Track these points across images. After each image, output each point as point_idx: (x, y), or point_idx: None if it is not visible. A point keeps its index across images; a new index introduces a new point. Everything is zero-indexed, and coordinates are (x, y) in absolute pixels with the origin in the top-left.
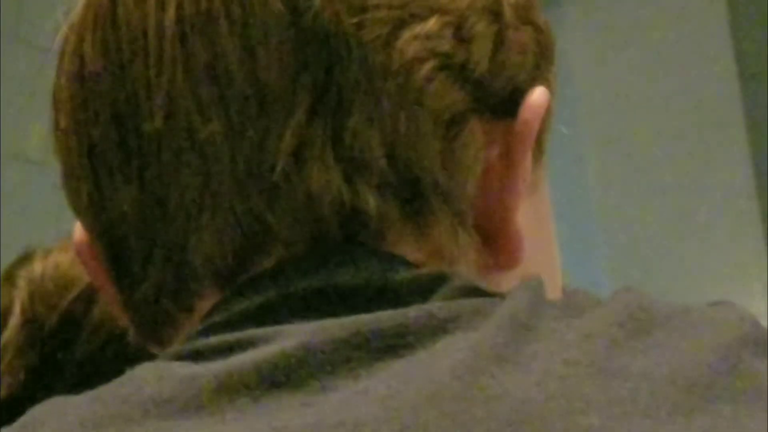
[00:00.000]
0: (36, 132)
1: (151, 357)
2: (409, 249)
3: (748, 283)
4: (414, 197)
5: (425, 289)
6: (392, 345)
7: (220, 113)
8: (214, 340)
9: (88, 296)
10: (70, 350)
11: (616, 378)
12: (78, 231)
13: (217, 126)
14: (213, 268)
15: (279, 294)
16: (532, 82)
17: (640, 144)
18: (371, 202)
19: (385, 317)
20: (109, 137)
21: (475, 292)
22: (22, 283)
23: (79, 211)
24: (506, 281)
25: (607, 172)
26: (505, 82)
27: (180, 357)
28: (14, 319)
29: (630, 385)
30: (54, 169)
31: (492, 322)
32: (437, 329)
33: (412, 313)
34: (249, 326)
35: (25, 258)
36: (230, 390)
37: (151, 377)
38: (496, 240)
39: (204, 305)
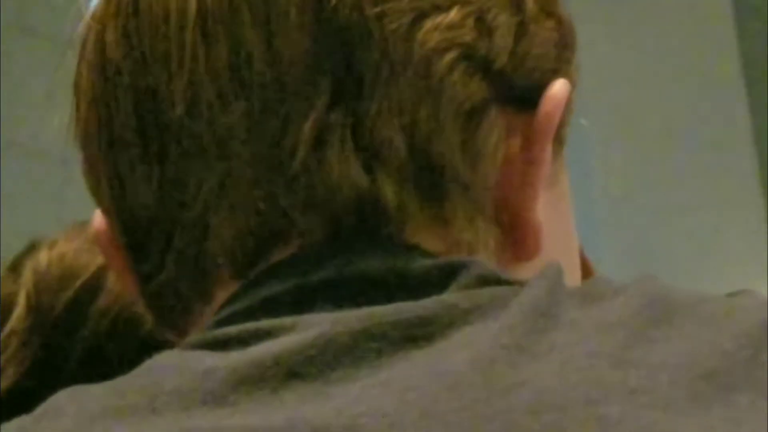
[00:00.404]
0: (53, 123)
1: (158, 347)
2: (428, 238)
3: (751, 281)
4: (433, 186)
5: (444, 277)
6: (412, 335)
7: (240, 102)
8: (233, 329)
9: (93, 285)
10: (75, 339)
11: (634, 368)
12: (97, 219)
13: (238, 115)
14: (231, 257)
15: (297, 283)
16: (554, 74)
17: (644, 140)
18: (390, 191)
19: (404, 308)
20: (129, 125)
21: (494, 280)
22: (27, 273)
23: (99, 199)
24: (525, 272)
25: (611, 172)
26: (526, 75)
27: (199, 346)
28: (19, 309)
29: (649, 375)
30: (54, 159)
31: (511, 311)
32: (457, 319)
33: (431, 303)
34: (268, 315)
35: (31, 248)
36: (249, 382)
37: (171, 369)
38: (515, 231)
39: (222, 294)
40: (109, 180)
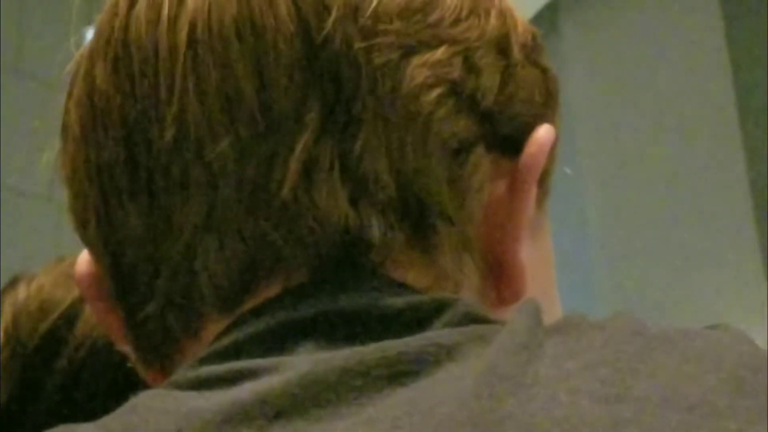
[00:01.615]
0: (42, 163)
1: (133, 375)
2: (413, 274)
3: (748, 315)
4: (420, 221)
5: (428, 315)
6: (396, 373)
7: (229, 132)
8: (217, 368)
9: (70, 316)
10: (53, 368)
11: (619, 403)
12: (80, 263)
13: (226, 145)
14: (218, 290)
15: (281, 322)
16: (539, 120)
17: (636, 166)
18: (375, 226)
19: (388, 345)
20: (117, 155)
21: (478, 318)
22: (6, 307)
23: (85, 233)
24: (508, 315)
25: (603, 193)
26: (511, 117)
27: (183, 386)
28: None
29: (633, 410)
30: (57, 202)
31: (494, 348)
32: (441, 357)
33: (415, 341)
34: (252, 354)
35: (11, 284)
36: (234, 422)
37: (156, 409)
38: (499, 272)
39: (209, 331)
40: (96, 213)
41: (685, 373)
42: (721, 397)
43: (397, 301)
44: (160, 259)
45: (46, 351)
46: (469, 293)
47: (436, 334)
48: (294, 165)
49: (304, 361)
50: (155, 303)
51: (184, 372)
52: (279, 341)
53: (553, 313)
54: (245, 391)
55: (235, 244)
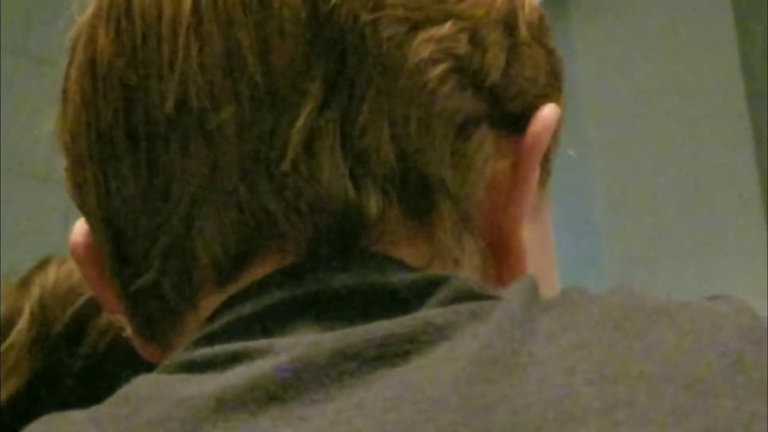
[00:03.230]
0: (41, 139)
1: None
2: (411, 251)
3: (753, 297)
4: (421, 197)
5: (422, 293)
6: (388, 354)
7: (231, 102)
8: (209, 351)
9: (96, 303)
10: (75, 354)
11: (613, 383)
12: (75, 232)
13: (228, 114)
14: (215, 260)
15: (274, 302)
16: (543, 100)
17: (643, 149)
18: (373, 202)
19: (380, 326)
20: (118, 122)
21: (473, 295)
22: (34, 288)
23: (82, 201)
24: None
25: (611, 180)
26: (516, 96)
27: (175, 370)
28: (22, 322)
29: (628, 389)
30: (58, 182)
31: (488, 327)
32: (434, 336)
33: (408, 320)
34: (244, 336)
35: (42, 265)
36: (226, 408)
37: (149, 397)
38: (500, 252)
39: (205, 305)
40: (95, 180)
41: (684, 348)
42: (720, 373)
43: (392, 280)
44: (157, 227)
45: (71, 336)
46: (468, 271)
47: (430, 314)
48: (296, 136)
49: (296, 344)
50: (152, 272)
51: (178, 355)
52: (271, 322)
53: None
54: (237, 376)
55: (234, 214)
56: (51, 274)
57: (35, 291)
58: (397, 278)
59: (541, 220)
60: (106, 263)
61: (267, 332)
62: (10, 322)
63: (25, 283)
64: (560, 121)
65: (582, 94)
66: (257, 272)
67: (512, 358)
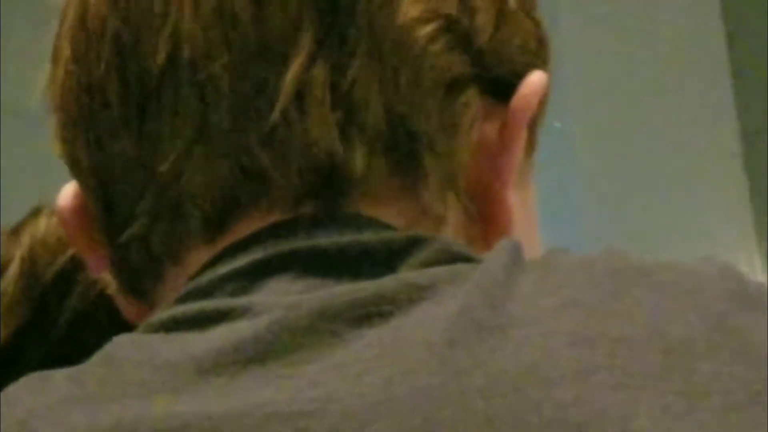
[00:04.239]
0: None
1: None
2: (393, 210)
3: (735, 246)
4: (407, 154)
5: (403, 253)
6: (367, 314)
7: (223, 53)
8: (190, 308)
9: None
10: (64, 305)
11: (592, 346)
12: (62, 196)
13: (219, 66)
14: (203, 211)
15: (257, 259)
16: (531, 68)
17: (625, 107)
18: (359, 158)
19: (360, 287)
20: (110, 75)
21: (454, 256)
22: (25, 238)
23: (72, 160)
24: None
25: (591, 146)
26: (505, 60)
27: (157, 328)
28: (11, 272)
29: (607, 352)
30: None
31: (469, 288)
32: (414, 296)
33: (388, 281)
34: (227, 292)
35: (33, 214)
36: (207, 371)
37: (130, 359)
38: (486, 215)
39: (191, 260)
40: (86, 136)
41: (665, 311)
42: (700, 336)
43: (373, 239)
44: (147, 179)
45: (60, 287)
46: (452, 231)
47: (411, 275)
48: (286, 87)
49: (275, 305)
50: (140, 224)
51: (161, 312)
52: (252, 280)
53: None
54: (217, 338)
55: (222, 164)
56: (42, 224)
57: (25, 240)
58: (378, 238)
59: (526, 188)
60: (95, 220)
61: (248, 290)
62: (0, 271)
63: (16, 232)
64: (547, 90)
65: (565, 61)
66: (243, 229)
67: (491, 320)
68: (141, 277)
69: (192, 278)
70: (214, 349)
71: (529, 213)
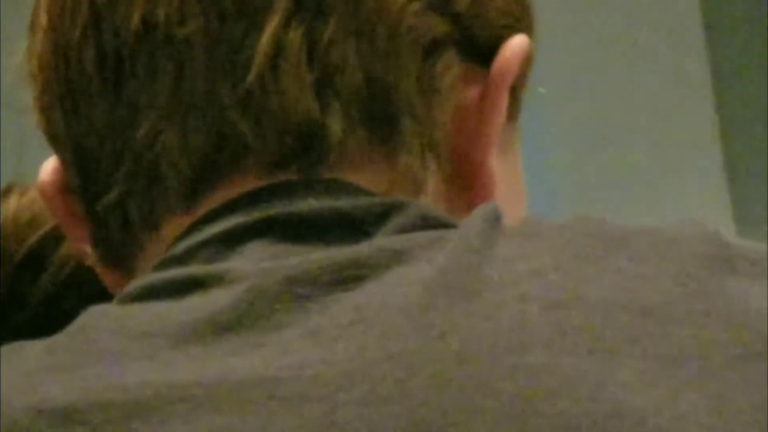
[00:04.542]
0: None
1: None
2: (372, 174)
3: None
4: (384, 117)
5: (379, 218)
6: (342, 278)
7: (198, 16)
8: (168, 275)
9: (57, 234)
10: (36, 285)
11: (568, 310)
12: (43, 171)
13: (194, 29)
14: (180, 178)
15: (232, 226)
16: (513, 33)
17: (601, 85)
18: (336, 122)
19: (335, 252)
20: (86, 42)
21: (431, 221)
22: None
23: (50, 128)
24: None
25: (567, 117)
26: (486, 26)
27: (133, 298)
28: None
29: (582, 317)
30: (12, 109)
31: (445, 252)
32: (389, 261)
33: (364, 246)
34: (203, 260)
35: (4, 193)
36: (182, 338)
37: (105, 329)
38: (467, 181)
39: (169, 229)
40: (61, 105)
41: (642, 275)
42: (678, 300)
43: (348, 205)
44: (123, 146)
45: (32, 265)
46: (432, 196)
47: (386, 240)
48: (261, 49)
49: (250, 272)
50: (116, 190)
51: (136, 282)
52: (228, 246)
53: None
54: (192, 306)
55: (199, 128)
56: (12, 203)
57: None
58: (355, 204)
59: (510, 154)
60: (75, 192)
61: (223, 257)
62: None
63: None
64: (530, 56)
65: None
66: (220, 196)
67: (467, 284)
68: (120, 246)
69: (169, 247)
70: (189, 317)
71: (513, 179)
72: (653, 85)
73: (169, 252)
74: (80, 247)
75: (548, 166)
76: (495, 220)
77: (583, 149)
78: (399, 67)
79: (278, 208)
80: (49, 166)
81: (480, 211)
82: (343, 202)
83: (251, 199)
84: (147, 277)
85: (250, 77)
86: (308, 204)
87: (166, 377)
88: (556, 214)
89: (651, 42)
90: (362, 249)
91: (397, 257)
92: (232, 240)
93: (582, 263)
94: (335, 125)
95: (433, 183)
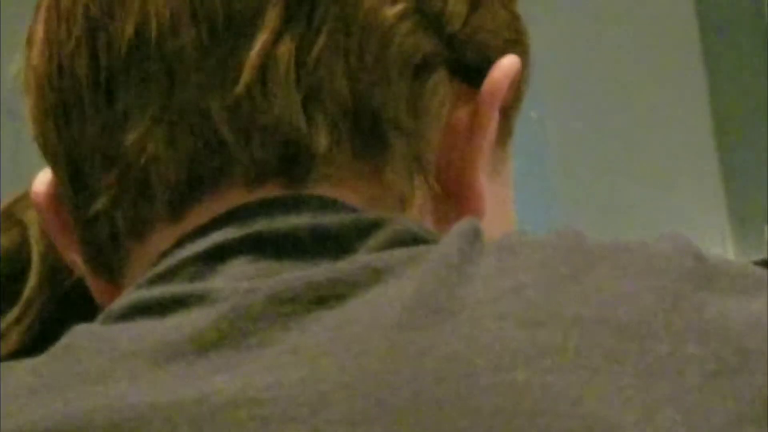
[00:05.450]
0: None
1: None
2: (357, 189)
3: (708, 236)
4: (372, 134)
5: (360, 235)
6: (323, 297)
7: (190, 28)
8: (151, 295)
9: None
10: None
11: (546, 327)
12: (37, 182)
13: (187, 40)
14: (167, 188)
15: (217, 243)
16: (505, 55)
17: (598, 89)
18: (323, 136)
19: (317, 271)
20: (80, 52)
21: (413, 238)
22: (34, 228)
23: (43, 140)
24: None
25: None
26: (478, 48)
27: (117, 317)
28: (34, 276)
29: (560, 334)
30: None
31: (424, 270)
32: (369, 279)
33: (345, 264)
34: (186, 279)
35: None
36: (165, 358)
37: (88, 348)
38: (457, 199)
39: (155, 240)
40: (55, 111)
41: (621, 291)
42: (655, 316)
43: (333, 221)
44: (113, 153)
45: (85, 286)
46: (418, 213)
47: (367, 258)
48: (250, 62)
49: (232, 292)
50: (105, 198)
51: (120, 300)
52: (211, 264)
53: None
54: (175, 326)
55: (187, 138)
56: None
57: (35, 232)
58: (338, 220)
59: (501, 180)
60: (66, 202)
61: (206, 275)
62: (10, 262)
63: (12, 217)
64: (523, 78)
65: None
66: (206, 209)
67: (445, 302)
68: (107, 255)
69: (154, 264)
70: (171, 337)
71: (502, 203)
72: (648, 89)
73: (153, 270)
74: (70, 256)
75: (545, 172)
76: (473, 236)
77: (579, 154)
78: (388, 84)
79: (261, 225)
80: (44, 178)
81: (459, 228)
82: (328, 219)
83: (234, 216)
84: (130, 296)
85: (239, 89)
86: (291, 220)
87: (148, 398)
88: (554, 218)
89: (646, 46)
90: (343, 267)
91: (377, 275)
92: (215, 258)
93: (560, 280)
94: (321, 139)
95: (420, 199)
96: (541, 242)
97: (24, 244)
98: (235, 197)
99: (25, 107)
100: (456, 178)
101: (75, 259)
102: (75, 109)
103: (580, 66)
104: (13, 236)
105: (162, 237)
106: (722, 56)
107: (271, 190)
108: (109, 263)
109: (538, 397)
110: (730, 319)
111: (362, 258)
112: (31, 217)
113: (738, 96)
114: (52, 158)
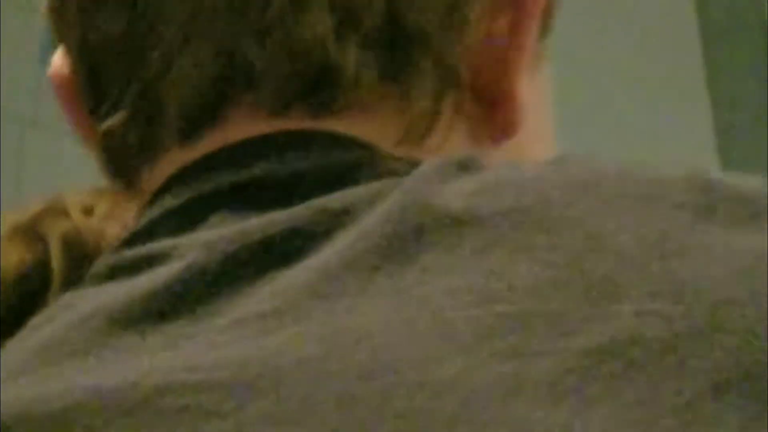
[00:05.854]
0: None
1: None
2: (379, 117)
3: None
4: (402, 53)
5: (339, 177)
6: (282, 252)
7: None
8: (126, 255)
9: None
10: None
11: (498, 302)
12: (56, 61)
13: None
14: (183, 108)
15: (199, 192)
16: None
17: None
18: (351, 60)
19: (276, 221)
20: None
21: (388, 171)
22: (55, 244)
23: (64, 37)
24: (503, 154)
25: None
26: None
27: (101, 276)
28: (55, 292)
29: (511, 311)
30: (11, 118)
31: (377, 217)
32: (329, 226)
33: (303, 210)
34: (166, 232)
35: (53, 209)
36: (119, 327)
37: (48, 319)
38: (495, 106)
39: (163, 165)
40: (79, 17)
41: (598, 237)
42: (622, 273)
43: (332, 162)
44: (134, 67)
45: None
46: (452, 133)
47: (324, 199)
48: None
49: (196, 247)
50: (121, 114)
51: (103, 259)
52: (190, 217)
53: (549, 153)
54: (137, 288)
55: (212, 58)
56: (68, 224)
57: (57, 245)
58: (335, 160)
59: (538, 78)
60: (83, 99)
61: (184, 228)
62: (28, 279)
63: (31, 231)
64: None
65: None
66: (218, 138)
67: (394, 270)
68: (119, 168)
69: (146, 204)
70: (129, 302)
71: (542, 104)
72: (648, 89)
73: (135, 225)
74: (87, 145)
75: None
76: (446, 170)
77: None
78: (426, 1)
79: (257, 169)
80: (60, 59)
81: (427, 167)
82: (320, 160)
83: (234, 155)
84: (112, 255)
85: (272, 11)
86: (287, 166)
87: (89, 381)
88: None
89: (646, 46)
90: (301, 214)
91: (335, 219)
92: (196, 210)
93: (531, 233)
94: (350, 62)
95: (449, 120)
96: (534, 177)
97: (45, 259)
98: (248, 127)
99: (27, 106)
100: (494, 88)
101: (89, 145)
102: (99, 17)
103: (580, 66)
104: (35, 252)
105: (169, 164)
106: (722, 56)
107: (290, 121)
108: (122, 175)
109: (463, 393)
110: (712, 268)
111: (319, 200)
112: (53, 233)
113: (738, 96)
114: (69, 51)
